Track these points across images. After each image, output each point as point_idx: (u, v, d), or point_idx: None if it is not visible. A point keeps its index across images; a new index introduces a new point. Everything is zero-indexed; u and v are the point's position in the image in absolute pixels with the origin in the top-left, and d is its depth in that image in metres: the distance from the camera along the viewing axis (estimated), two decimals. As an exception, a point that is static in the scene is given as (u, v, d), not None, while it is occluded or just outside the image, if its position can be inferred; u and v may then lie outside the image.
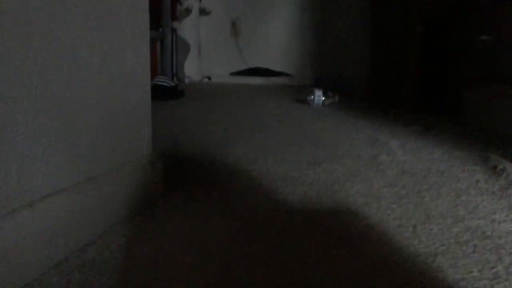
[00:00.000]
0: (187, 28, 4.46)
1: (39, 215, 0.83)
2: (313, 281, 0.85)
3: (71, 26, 0.89)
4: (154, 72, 3.76)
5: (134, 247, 0.96)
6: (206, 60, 4.78)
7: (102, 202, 1.02)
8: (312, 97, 3.11)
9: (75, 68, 0.91)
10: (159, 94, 3.01)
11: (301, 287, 0.84)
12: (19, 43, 0.76)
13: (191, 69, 4.57)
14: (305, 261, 0.92)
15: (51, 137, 0.86)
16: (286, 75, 4.79)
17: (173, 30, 4.24)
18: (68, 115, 0.90)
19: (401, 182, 1.43)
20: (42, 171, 0.84)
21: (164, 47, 4.10)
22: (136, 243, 0.98)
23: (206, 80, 4.76)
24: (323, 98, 3.12)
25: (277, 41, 4.79)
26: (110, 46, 1.02)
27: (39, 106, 0.82)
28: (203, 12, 4.63)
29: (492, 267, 0.90)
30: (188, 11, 4.42)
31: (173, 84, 3.62)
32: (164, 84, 3.44)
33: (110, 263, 0.89)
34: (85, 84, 0.95)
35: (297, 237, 1.04)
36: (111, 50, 1.03)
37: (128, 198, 1.12)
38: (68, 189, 0.91)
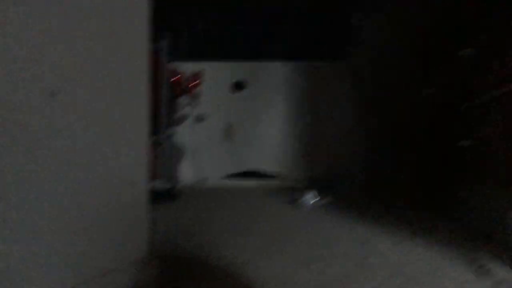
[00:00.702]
0: (182, 133, 4.62)
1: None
2: None
3: (80, 134, 0.97)
4: (149, 176, 3.82)
5: None
6: (200, 164, 4.89)
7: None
8: (304, 199, 3.18)
9: (79, 172, 0.98)
10: (155, 197, 3.06)
11: None
12: (25, 149, 0.83)
13: (186, 173, 4.66)
14: None
15: (51, 240, 0.90)
16: (280, 177, 4.87)
17: (169, 135, 4.39)
18: (69, 218, 0.96)
19: (392, 284, 1.45)
20: (42, 275, 0.88)
21: (160, 151, 4.22)
22: None
23: (200, 183, 4.83)
24: (315, 200, 3.18)
25: (270, 144, 4.93)
26: (112, 152, 1.10)
27: (41, 210, 0.87)
28: (199, 118, 4.82)
29: None
30: (184, 117, 4.61)
31: (168, 187, 3.70)
32: (160, 187, 3.51)
33: None
34: (87, 188, 1.01)
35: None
36: (113, 156, 1.11)
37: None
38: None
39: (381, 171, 3.75)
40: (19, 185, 0.82)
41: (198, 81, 4.52)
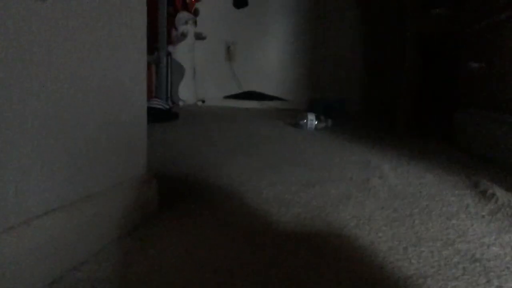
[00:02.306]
0: (182, 52, 4.52)
1: (35, 233, 0.84)
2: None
3: (72, 45, 0.92)
4: (149, 95, 3.79)
5: (129, 265, 0.97)
6: (200, 84, 4.83)
7: (97, 220, 1.03)
8: (305, 121, 3.15)
9: (75, 86, 0.93)
10: (154, 116, 3.03)
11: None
12: (21, 59, 0.78)
13: (186, 92, 4.61)
14: (297, 281, 0.93)
15: (49, 154, 0.87)
16: (280, 99, 4.84)
17: (169, 54, 4.29)
18: (66, 133, 0.92)
19: (393, 205, 1.45)
20: (39, 189, 0.86)
21: (159, 70, 4.15)
22: (131, 261, 0.99)
23: (200, 103, 4.80)
24: (316, 122, 3.16)
25: (271, 65, 4.85)
26: (108, 67, 1.05)
27: (37, 122, 0.84)
28: (198, 36, 4.70)
29: (481, 289, 0.91)
30: (183, 35, 4.48)
31: (167, 106, 3.65)
32: (159, 106, 3.47)
33: (104, 281, 0.90)
34: (84, 103, 0.97)
35: (289, 257, 1.05)
36: (110, 71, 1.06)
37: (123, 217, 1.13)
38: (65, 207, 0.93)
39: (381, 97, 3.70)
40: (12, 97, 0.77)
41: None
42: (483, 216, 1.36)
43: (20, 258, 0.81)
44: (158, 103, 3.51)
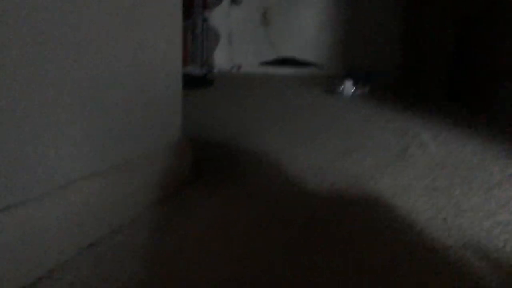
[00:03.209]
0: (217, 17, 4.47)
1: (73, 198, 0.86)
2: (338, 269, 0.85)
3: (108, 11, 0.91)
4: (184, 61, 3.79)
5: (163, 232, 0.98)
6: (236, 50, 4.79)
7: (133, 186, 1.04)
8: (342, 87, 3.09)
9: (111, 53, 0.93)
10: (189, 82, 3.03)
11: (325, 273, 0.84)
12: (58, 24, 0.78)
13: (221, 58, 4.58)
14: (331, 249, 0.93)
15: (87, 121, 0.88)
16: (316, 65, 4.76)
17: (204, 20, 4.25)
18: (103, 99, 0.92)
19: (432, 174, 1.41)
20: (78, 154, 0.87)
21: (195, 36, 4.12)
22: (165, 228, 1.00)
23: (235, 69, 4.77)
24: (353, 89, 3.09)
25: (308, 31, 4.76)
26: (144, 34, 1.04)
27: (75, 87, 0.84)
28: (234, 1, 4.63)
29: (524, 262, 0.89)
30: (219, 0, 4.43)
31: (203, 72, 3.65)
32: (194, 72, 3.47)
33: (140, 246, 0.91)
34: (120, 70, 0.97)
35: (324, 225, 1.04)
36: (145, 38, 1.05)
37: (158, 184, 1.14)
38: (101, 173, 0.94)
39: (420, 67, 3.59)
40: (49, 65, 0.77)
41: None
42: (526, 187, 1.31)
43: (58, 222, 0.83)
44: (193, 70, 3.51)
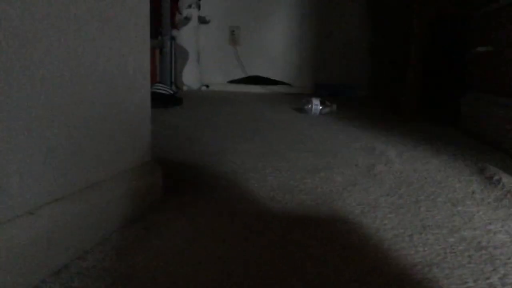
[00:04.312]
0: (186, 36, 4.49)
1: (40, 223, 0.84)
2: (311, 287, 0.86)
3: (74, 30, 0.90)
4: (152, 80, 3.77)
5: (134, 254, 0.97)
6: (204, 68, 4.80)
7: (102, 209, 1.03)
8: (310, 106, 3.13)
9: (77, 72, 0.92)
10: (158, 101, 3.02)
11: (299, 295, 0.84)
12: (22, 45, 0.77)
13: (190, 77, 4.59)
14: (303, 268, 0.93)
15: (52, 143, 0.87)
16: (284, 84, 4.81)
17: (172, 38, 4.26)
18: (69, 120, 0.91)
19: (398, 192, 1.44)
20: (43, 178, 0.85)
21: (163, 55, 4.13)
22: (136, 250, 0.99)
23: (204, 88, 4.78)
24: (321, 107, 3.14)
25: (275, 50, 4.82)
26: (111, 51, 1.04)
27: (40, 111, 0.83)
28: (202, 20, 4.66)
29: (487, 278, 0.91)
30: (187, 19, 4.44)
31: (171, 91, 3.64)
32: (163, 91, 3.46)
33: (110, 270, 0.90)
34: (86, 89, 0.96)
35: (295, 244, 1.05)
36: (113, 56, 1.04)
37: (128, 205, 1.13)
38: (69, 196, 0.92)
39: (387, 82, 3.68)
40: (12, 86, 0.76)
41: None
42: (489, 203, 1.35)
43: (25, 247, 0.80)
44: (162, 88, 3.50)
